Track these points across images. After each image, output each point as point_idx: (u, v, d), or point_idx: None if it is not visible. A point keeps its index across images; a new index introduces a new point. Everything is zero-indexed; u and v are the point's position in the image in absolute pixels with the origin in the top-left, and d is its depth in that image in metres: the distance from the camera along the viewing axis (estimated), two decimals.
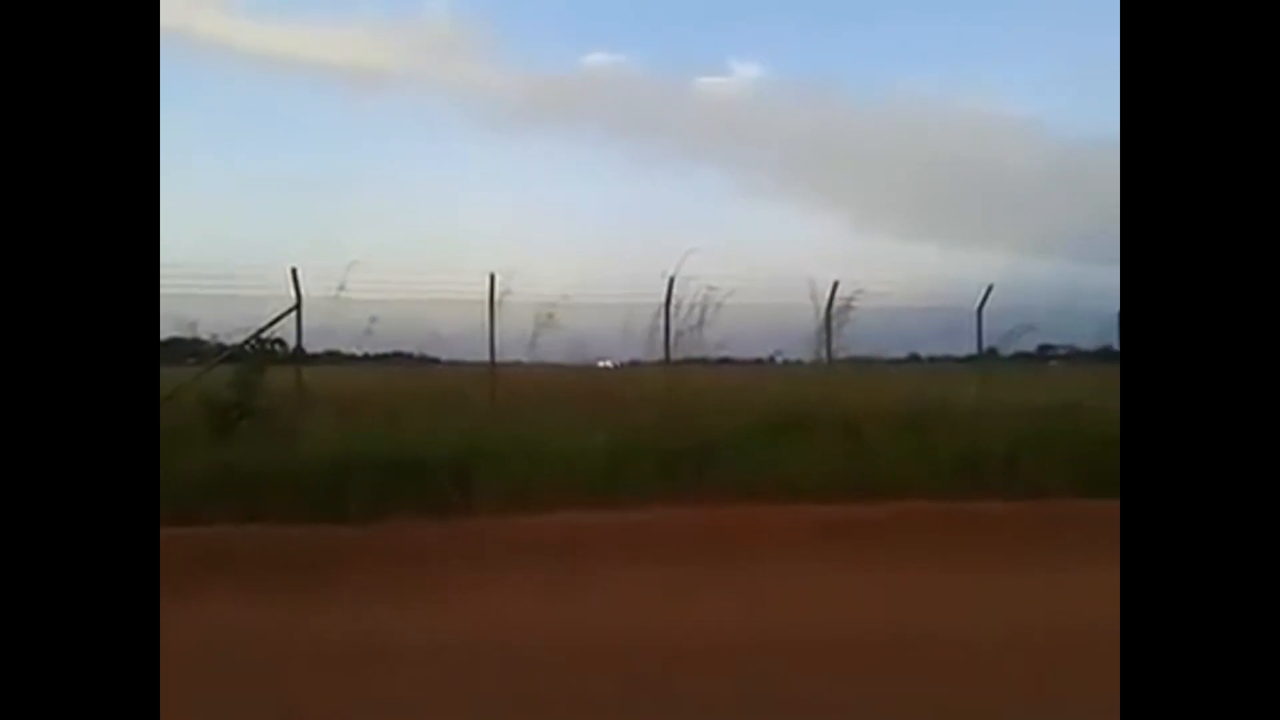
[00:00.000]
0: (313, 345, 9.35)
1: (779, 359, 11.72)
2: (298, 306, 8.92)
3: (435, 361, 10.27)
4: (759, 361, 11.96)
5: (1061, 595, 4.43)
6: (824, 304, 9.68)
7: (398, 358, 10.22)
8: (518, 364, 9.52)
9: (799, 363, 11.08)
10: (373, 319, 8.76)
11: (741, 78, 44.53)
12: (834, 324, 9.78)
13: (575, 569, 5.06)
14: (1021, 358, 12.22)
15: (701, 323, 9.42)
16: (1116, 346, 10.53)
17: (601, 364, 10.68)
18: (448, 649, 3.78)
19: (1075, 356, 12.47)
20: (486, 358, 9.32)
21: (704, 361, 10.49)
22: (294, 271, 8.84)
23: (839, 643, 3.83)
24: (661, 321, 9.49)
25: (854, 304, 9.71)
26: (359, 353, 10.09)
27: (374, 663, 3.60)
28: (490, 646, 3.83)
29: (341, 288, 8.49)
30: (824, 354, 9.91)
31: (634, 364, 10.47)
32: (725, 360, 11.31)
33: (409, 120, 41.97)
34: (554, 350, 9.44)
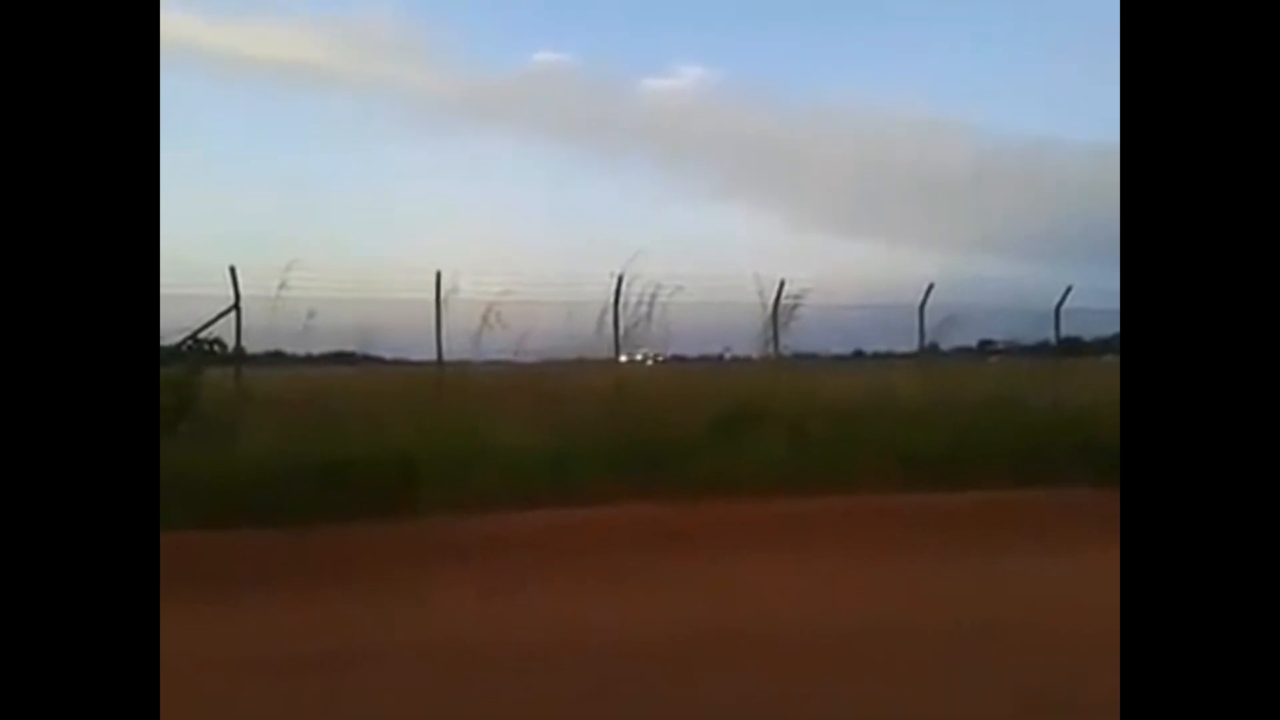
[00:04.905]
0: (254, 345, 9.13)
1: (727, 356, 11.82)
2: (236, 306, 8.70)
3: (380, 361, 10.10)
4: (707, 359, 12.04)
5: (980, 586, 4.60)
6: (770, 302, 9.80)
7: (341, 358, 10.02)
8: (465, 363, 9.43)
9: (747, 359, 11.20)
10: (311, 314, 8.56)
11: (685, 79, 44.71)
12: (780, 321, 9.91)
13: (524, 569, 5.03)
14: (962, 353, 12.57)
15: (649, 320, 9.46)
16: (1053, 341, 10.89)
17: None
18: (387, 655, 3.72)
19: (1014, 352, 12.82)
20: (433, 356, 9.21)
21: (652, 359, 10.54)
22: (233, 270, 8.61)
23: (765, 637, 3.86)
24: (610, 319, 9.50)
25: (800, 302, 9.86)
26: (301, 353, 9.88)
27: (303, 672, 3.51)
28: (435, 648, 3.77)
29: (283, 286, 8.28)
30: (771, 351, 10.04)
31: (582, 362, 10.45)
32: (674, 357, 11.37)
33: (352, 118, 41.01)
34: (500, 348, 9.38)
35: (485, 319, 8.97)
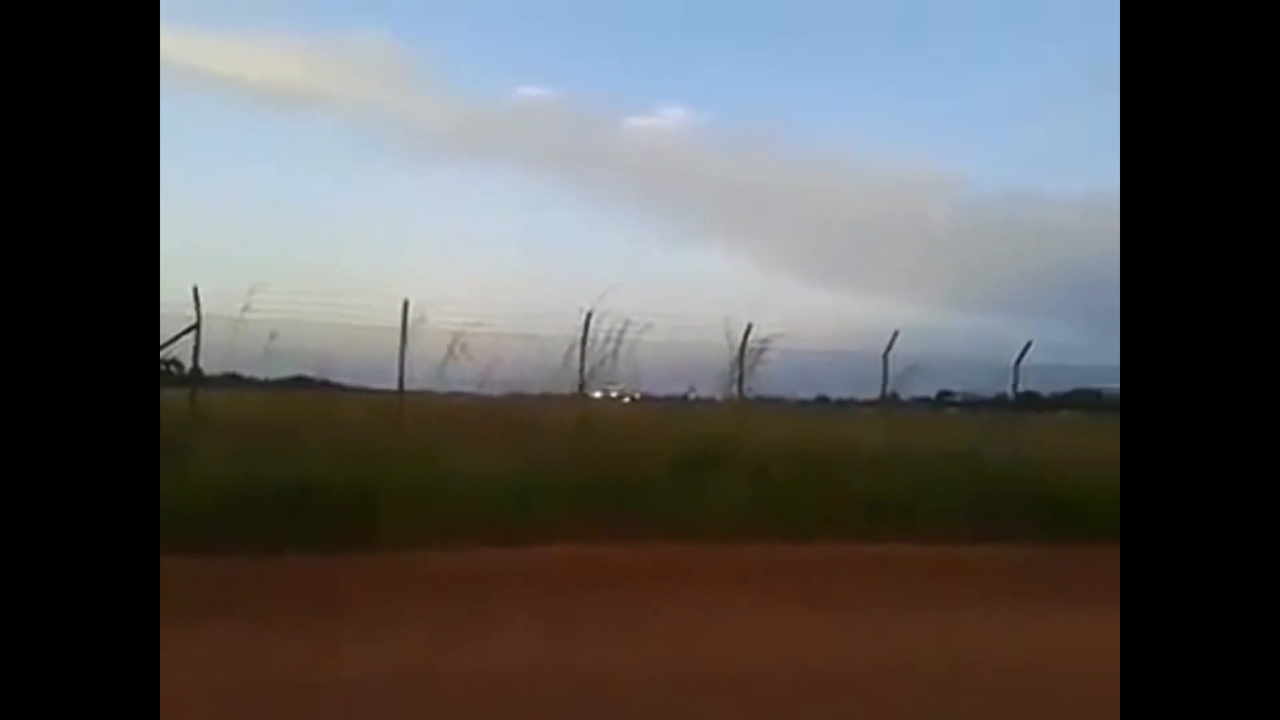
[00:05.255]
0: (212, 367, 8.94)
1: (691, 396, 11.86)
2: (197, 326, 8.53)
3: (340, 388, 9.94)
4: (672, 398, 12.07)
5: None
6: (738, 344, 9.86)
7: (300, 382, 9.84)
8: (428, 393, 9.32)
9: (711, 400, 11.23)
10: (272, 335, 8.41)
11: (667, 119, 45.47)
12: (747, 364, 9.97)
13: (477, 608, 4.92)
14: (922, 403, 12.75)
15: (616, 357, 9.45)
16: (1011, 395, 11.07)
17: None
18: (328, 688, 3.59)
19: (972, 404, 13.04)
20: (395, 385, 9.09)
21: (618, 396, 10.53)
22: (195, 290, 8.46)
23: (701, 678, 3.83)
24: (577, 354, 9.47)
25: (768, 345, 9.94)
26: (260, 376, 9.70)
27: (252, 704, 3.38)
28: (383, 686, 3.66)
29: (246, 308, 8.13)
30: (735, 393, 10.07)
31: (547, 396, 10.39)
32: (640, 396, 11.38)
33: (330, 142, 41.05)
34: (465, 379, 9.30)
35: (451, 349, 8.91)
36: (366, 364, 9.60)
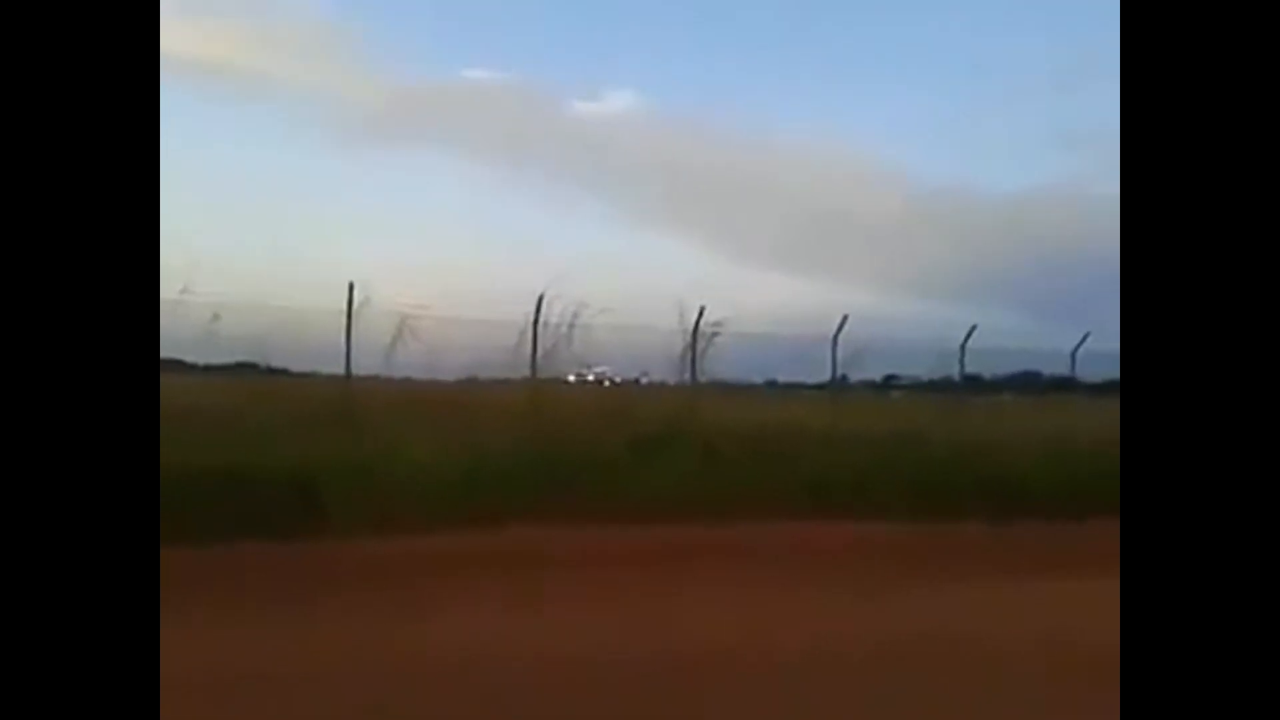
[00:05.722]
0: None
1: (644, 380, 11.89)
2: None
3: (284, 373, 9.69)
4: (625, 382, 12.08)
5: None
6: (690, 328, 9.89)
7: (244, 368, 9.57)
8: (375, 377, 9.17)
9: (663, 384, 11.28)
10: (215, 317, 8.14)
11: (615, 104, 45.13)
12: (699, 348, 10.01)
13: (424, 594, 4.87)
14: (868, 386, 12.99)
15: (569, 341, 9.41)
16: (956, 378, 11.33)
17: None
18: (269, 679, 3.51)
19: (916, 387, 13.32)
20: (341, 370, 8.91)
21: (570, 380, 10.51)
22: None
23: (629, 662, 3.84)
24: (529, 338, 9.39)
25: (719, 330, 9.99)
26: (200, 362, 9.41)
27: (190, 696, 3.29)
28: (322, 675, 3.59)
29: (184, 290, 7.82)
30: (688, 377, 10.12)
31: (499, 381, 10.32)
32: (605, 379, 11.40)
33: (272, 123, 39.89)
34: (414, 364, 9.17)
35: (399, 333, 8.76)
36: (312, 349, 9.37)
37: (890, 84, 44.75)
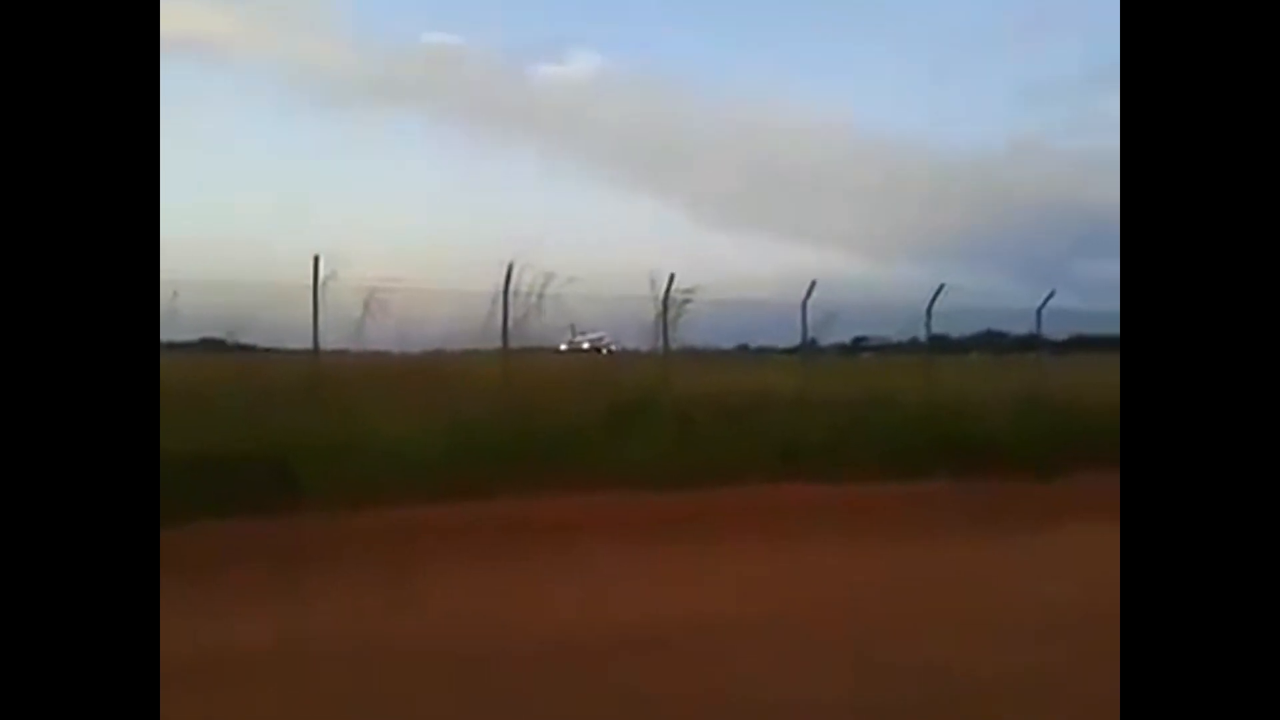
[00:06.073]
0: None
1: (615, 348, 11.87)
2: None
3: (251, 349, 9.53)
4: (615, 350, 12.06)
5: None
6: (661, 295, 9.86)
7: (209, 345, 9.39)
8: (344, 352, 9.04)
9: (636, 352, 11.27)
10: (174, 294, 7.94)
11: (580, 67, 44.41)
12: (670, 315, 9.99)
13: (404, 568, 4.88)
14: (838, 349, 13.09)
15: (540, 310, 9.33)
16: (923, 339, 11.45)
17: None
18: (234, 661, 3.51)
19: (885, 348, 13.44)
20: (309, 345, 8.77)
21: (542, 350, 10.46)
22: None
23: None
24: (499, 308, 9.30)
25: (690, 297, 9.96)
26: (165, 339, 9.21)
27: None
28: (308, 653, 3.60)
29: None
30: (661, 344, 10.11)
31: (470, 352, 10.24)
32: (565, 348, 11.36)
33: (234, 90, 38.57)
34: (384, 338, 9.06)
35: (367, 306, 8.64)
36: (279, 324, 9.21)
37: (859, 44, 44.58)
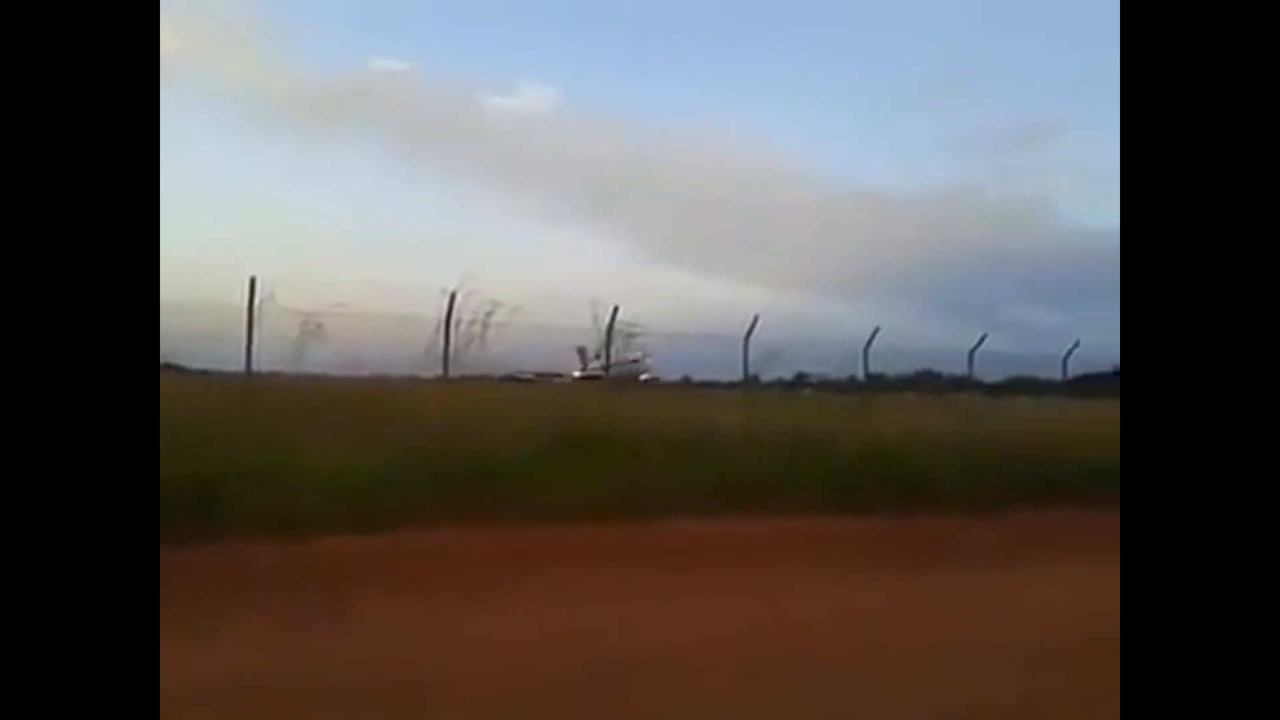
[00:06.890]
0: None
1: (556, 381, 11.85)
2: None
3: (180, 369, 9.22)
4: (541, 379, 12.01)
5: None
6: (604, 328, 9.89)
7: None
8: (279, 374, 8.82)
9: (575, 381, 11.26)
10: None
11: (530, 100, 44.72)
12: (614, 347, 10.02)
13: (327, 601, 4.71)
14: (779, 385, 13.28)
15: (483, 339, 9.27)
16: (861, 377, 11.68)
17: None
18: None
19: (825, 385, 13.69)
20: (241, 367, 8.54)
21: (484, 379, 10.36)
22: None
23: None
24: (441, 336, 9.21)
25: (635, 329, 10.03)
26: None
27: None
28: (208, 691, 3.43)
29: None
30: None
31: (410, 379, 10.09)
32: (506, 378, 11.27)
33: (177, 111, 37.63)
34: (322, 362, 8.87)
35: (304, 330, 8.46)
36: (214, 347, 8.94)
37: (809, 92, 45.90)
